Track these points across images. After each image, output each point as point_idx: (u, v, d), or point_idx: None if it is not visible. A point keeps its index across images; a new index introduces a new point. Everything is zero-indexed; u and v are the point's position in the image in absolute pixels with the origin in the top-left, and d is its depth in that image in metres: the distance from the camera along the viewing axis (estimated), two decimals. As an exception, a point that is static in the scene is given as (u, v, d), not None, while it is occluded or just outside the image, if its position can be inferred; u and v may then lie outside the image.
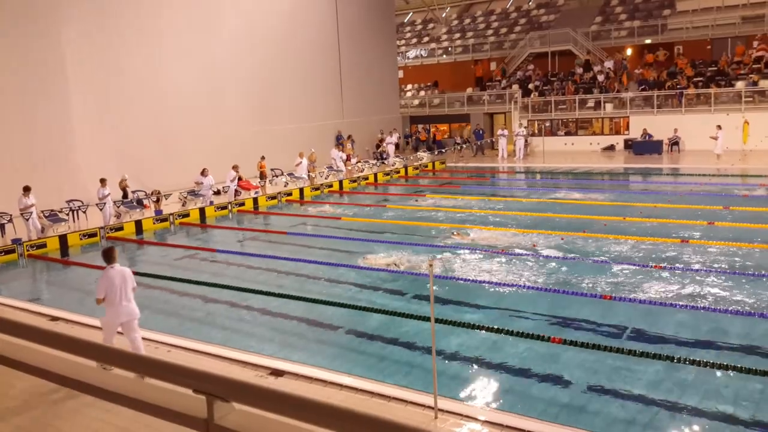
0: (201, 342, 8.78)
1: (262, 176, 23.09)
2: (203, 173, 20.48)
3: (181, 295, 11.55)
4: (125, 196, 19.16)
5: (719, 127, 26.11)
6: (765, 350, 7.92)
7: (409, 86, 43.25)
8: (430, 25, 45.94)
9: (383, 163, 28.78)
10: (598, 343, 8.05)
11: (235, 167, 21.39)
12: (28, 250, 15.24)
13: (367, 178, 25.75)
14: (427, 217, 17.62)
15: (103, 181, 17.77)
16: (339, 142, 30.82)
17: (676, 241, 13.08)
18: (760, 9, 31.02)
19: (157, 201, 19.27)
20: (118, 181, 19.23)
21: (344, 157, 27.26)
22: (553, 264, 12.06)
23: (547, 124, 33.41)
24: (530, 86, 35.76)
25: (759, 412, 6.42)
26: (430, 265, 6.27)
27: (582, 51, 35.64)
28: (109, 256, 7.61)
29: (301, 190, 22.78)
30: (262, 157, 23.42)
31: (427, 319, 8.10)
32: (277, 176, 24.06)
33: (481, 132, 34.24)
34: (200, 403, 4.50)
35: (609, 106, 32.08)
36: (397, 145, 34.35)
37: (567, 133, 33.15)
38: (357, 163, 27.69)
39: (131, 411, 5.21)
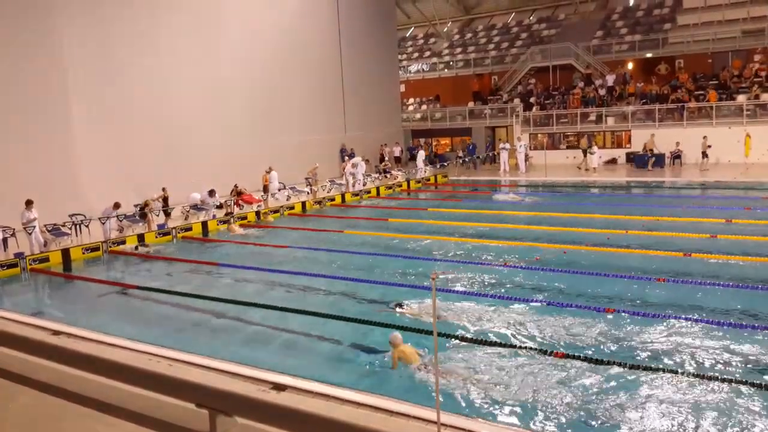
0: (203, 356, 8.74)
1: (265, 189, 23.14)
2: (211, 194, 20.61)
3: (186, 310, 11.54)
4: (166, 203, 19.96)
5: (596, 143, 30.18)
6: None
7: (411, 100, 43.41)
8: (432, 40, 46.20)
9: (386, 176, 28.83)
10: (602, 358, 8.01)
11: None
12: (30, 264, 15.23)
13: (369, 192, 25.79)
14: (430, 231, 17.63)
15: (116, 205, 18.10)
16: (344, 155, 30.93)
17: (679, 255, 13.06)
18: (760, 23, 31.15)
19: (158, 215, 19.37)
20: (159, 194, 20.33)
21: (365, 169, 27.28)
22: (555, 277, 12.04)
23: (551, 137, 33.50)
24: (531, 100, 35.88)
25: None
26: (433, 279, 6.26)
27: (583, 65, 35.79)
28: None
29: (303, 203, 22.83)
30: (267, 170, 23.54)
31: (429, 332, 8.09)
32: (279, 190, 24.10)
33: (472, 147, 34.41)
34: (203, 417, 4.50)
35: (611, 120, 32.16)
36: (398, 159, 34.47)
37: (569, 147, 33.22)
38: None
39: (134, 425, 5.20)
